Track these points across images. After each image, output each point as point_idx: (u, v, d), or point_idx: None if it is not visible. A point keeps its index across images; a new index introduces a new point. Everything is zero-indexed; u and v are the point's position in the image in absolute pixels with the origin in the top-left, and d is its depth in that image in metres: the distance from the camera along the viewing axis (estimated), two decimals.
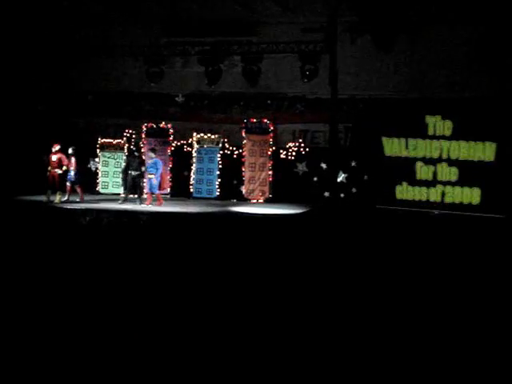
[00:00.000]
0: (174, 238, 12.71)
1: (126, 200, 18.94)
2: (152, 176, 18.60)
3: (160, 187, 19.07)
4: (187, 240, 12.33)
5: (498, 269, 10.04)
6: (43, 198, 18.58)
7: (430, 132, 18.33)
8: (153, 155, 18.92)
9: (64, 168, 18.53)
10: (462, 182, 17.98)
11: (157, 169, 18.62)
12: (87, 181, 21.67)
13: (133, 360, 5.83)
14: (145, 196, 18.90)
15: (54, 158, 18.52)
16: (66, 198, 18.78)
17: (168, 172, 21.60)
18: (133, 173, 18.93)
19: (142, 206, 18.44)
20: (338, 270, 9.75)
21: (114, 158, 21.55)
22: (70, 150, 18.85)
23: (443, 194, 18.25)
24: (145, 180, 19.70)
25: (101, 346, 6.16)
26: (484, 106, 18.12)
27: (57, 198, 18.46)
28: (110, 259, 9.93)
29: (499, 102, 18.01)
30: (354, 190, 19.88)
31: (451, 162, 18.12)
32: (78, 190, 19.08)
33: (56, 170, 18.44)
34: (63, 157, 18.61)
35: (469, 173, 17.78)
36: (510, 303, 7.94)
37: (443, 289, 8.65)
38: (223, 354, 6.02)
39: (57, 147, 18.61)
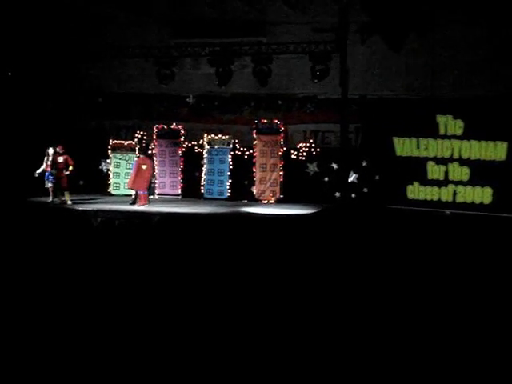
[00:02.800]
0: (184, 238, 12.72)
1: (135, 201, 19.00)
2: None
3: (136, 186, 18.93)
4: (198, 241, 12.35)
5: (508, 269, 9.99)
6: (55, 199, 18.70)
7: (441, 131, 18.28)
8: (140, 156, 19.02)
9: (71, 168, 18.60)
10: (473, 181, 17.91)
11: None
12: (99, 182, 21.89)
13: (133, 360, 5.85)
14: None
15: (61, 159, 18.59)
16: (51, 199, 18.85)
17: (179, 173, 21.69)
18: None
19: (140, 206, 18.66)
20: (347, 271, 9.74)
21: (125, 160, 21.65)
22: (51, 150, 18.79)
23: (455, 194, 18.19)
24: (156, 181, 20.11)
25: (101, 345, 6.20)
26: (495, 105, 18.05)
27: (67, 199, 18.58)
28: (119, 260, 9.96)
29: (510, 102, 17.93)
30: (365, 190, 19.85)
31: (463, 162, 18.06)
32: (51, 190, 18.86)
33: (62, 170, 18.52)
34: (69, 157, 18.68)
35: (480, 172, 17.72)
36: None
37: (452, 289, 8.62)
38: (223, 354, 6.04)
39: (60, 149, 18.66)
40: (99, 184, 21.84)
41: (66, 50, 20.49)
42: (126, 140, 22.06)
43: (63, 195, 18.68)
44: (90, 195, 20.50)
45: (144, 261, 10.06)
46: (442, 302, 7.97)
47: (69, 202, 18.52)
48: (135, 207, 18.47)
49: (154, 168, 20.45)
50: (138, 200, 18.81)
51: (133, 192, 19.42)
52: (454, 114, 18.12)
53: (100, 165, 22.37)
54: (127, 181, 19.81)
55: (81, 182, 20.73)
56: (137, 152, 20.52)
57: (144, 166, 18.80)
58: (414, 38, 19.13)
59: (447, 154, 18.24)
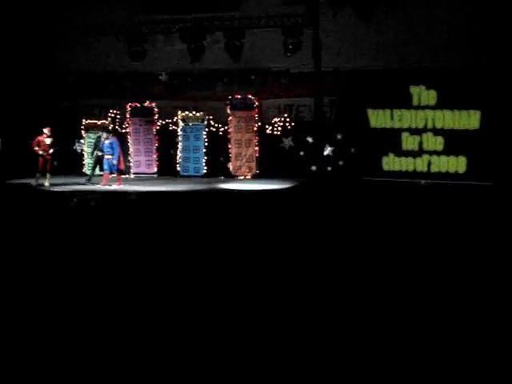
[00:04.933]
0: (161, 216, 12.72)
1: (90, 180, 18.78)
2: (110, 157, 18.31)
3: (118, 167, 18.68)
4: (176, 219, 12.36)
5: (485, 238, 10.15)
6: (31, 181, 18.49)
7: (415, 102, 18.40)
8: (106, 136, 18.70)
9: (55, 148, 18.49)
10: (447, 150, 18.09)
11: (112, 149, 18.35)
12: (73, 162, 21.69)
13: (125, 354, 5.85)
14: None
15: (48, 141, 18.39)
16: None
17: (154, 151, 21.59)
18: (98, 153, 18.78)
19: (97, 186, 18.26)
20: (326, 244, 9.82)
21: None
22: None
23: (429, 164, 18.37)
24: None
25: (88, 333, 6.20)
26: (467, 74, 18.20)
27: (46, 181, 18.39)
28: (101, 242, 9.94)
29: (482, 71, 18.11)
30: (340, 162, 19.91)
31: (436, 132, 18.23)
32: None
33: (49, 152, 18.36)
34: (53, 140, 18.54)
35: (454, 141, 17.91)
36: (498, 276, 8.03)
37: (432, 263, 8.73)
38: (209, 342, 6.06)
39: (48, 131, 18.45)
40: (73, 164, 21.64)
41: (37, 29, 20.20)
42: (99, 119, 21.82)
43: (45, 177, 18.44)
44: (64, 176, 20.28)
45: (123, 239, 10.05)
46: (420, 274, 8.08)
47: (46, 184, 18.32)
48: (108, 187, 18.12)
49: None
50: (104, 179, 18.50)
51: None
52: (427, 84, 18.24)
53: (74, 145, 22.14)
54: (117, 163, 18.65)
55: (55, 163, 20.49)
56: (109, 133, 19.60)
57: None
58: (384, 8, 19.15)
59: (421, 125, 18.39)
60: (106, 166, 18.39)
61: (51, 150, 18.40)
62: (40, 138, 18.37)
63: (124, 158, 19.38)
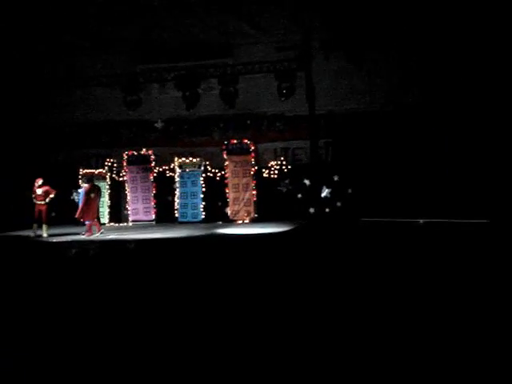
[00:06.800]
0: (161, 264, 12.67)
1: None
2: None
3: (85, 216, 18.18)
4: (175, 265, 12.30)
5: (483, 274, 10.11)
6: (29, 232, 18.44)
7: None
8: (85, 185, 18.56)
9: (52, 196, 18.33)
10: None
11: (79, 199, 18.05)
12: (71, 213, 21.64)
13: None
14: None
15: (40, 191, 18.38)
16: None
17: (152, 198, 21.66)
18: None
19: (95, 235, 18.10)
20: (326, 286, 9.77)
21: None
22: None
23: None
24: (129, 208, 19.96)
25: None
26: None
27: (44, 232, 18.32)
28: (104, 290, 9.89)
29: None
30: (338, 204, 19.95)
31: None
32: None
33: (42, 202, 18.28)
34: (49, 188, 18.44)
35: None
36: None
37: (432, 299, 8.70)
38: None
39: (40, 181, 18.46)
40: (72, 215, 21.59)
41: (31, 81, 20.42)
42: (96, 169, 21.94)
43: (41, 228, 18.36)
44: (63, 226, 20.24)
45: (123, 289, 9.99)
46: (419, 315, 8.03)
47: (44, 235, 18.22)
48: (83, 237, 17.82)
49: (100, 195, 19.24)
50: (86, 230, 18.22)
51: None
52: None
53: (72, 195, 22.16)
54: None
55: (53, 214, 20.49)
56: (88, 182, 18.90)
57: (92, 195, 18.42)
58: (376, 54, 19.37)
59: None
60: None
61: (47, 200, 18.36)
62: (35, 188, 18.41)
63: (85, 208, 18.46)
